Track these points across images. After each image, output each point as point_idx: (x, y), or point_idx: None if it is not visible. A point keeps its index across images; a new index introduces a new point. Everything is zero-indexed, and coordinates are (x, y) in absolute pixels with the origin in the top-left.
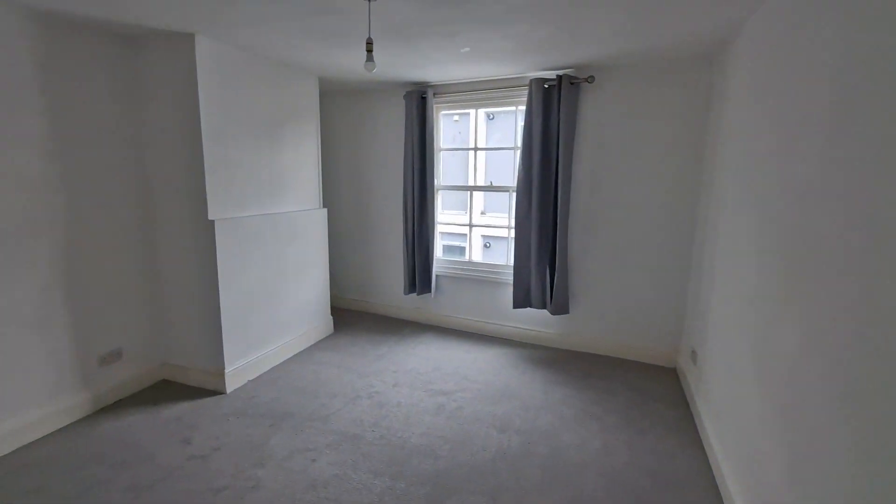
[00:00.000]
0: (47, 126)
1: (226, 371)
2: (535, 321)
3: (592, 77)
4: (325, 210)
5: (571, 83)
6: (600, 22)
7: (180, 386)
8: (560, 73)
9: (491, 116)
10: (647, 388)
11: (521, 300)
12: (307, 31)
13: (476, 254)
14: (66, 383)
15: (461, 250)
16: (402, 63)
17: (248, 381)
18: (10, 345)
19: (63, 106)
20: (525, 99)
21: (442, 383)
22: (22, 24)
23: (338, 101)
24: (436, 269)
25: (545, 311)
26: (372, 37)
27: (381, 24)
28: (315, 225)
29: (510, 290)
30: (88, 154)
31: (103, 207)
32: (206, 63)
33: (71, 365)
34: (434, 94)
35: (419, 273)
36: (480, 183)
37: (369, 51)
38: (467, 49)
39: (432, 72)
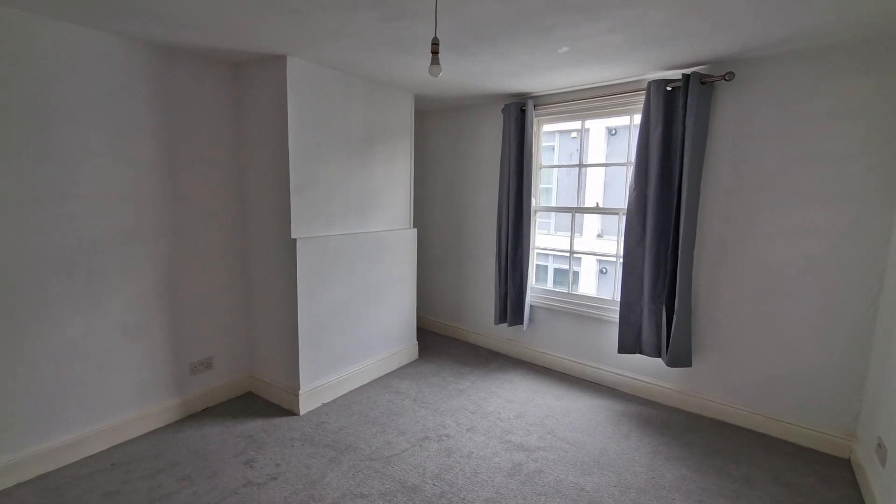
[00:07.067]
0: (158, 145)
1: (300, 392)
2: (646, 370)
3: (731, 73)
4: (415, 230)
5: (702, 82)
6: None
7: (262, 401)
8: (687, 71)
9: (613, 132)
10: (803, 485)
11: (628, 344)
12: (387, 41)
13: (589, 280)
14: (160, 388)
15: (574, 275)
16: (496, 72)
17: (323, 403)
18: (112, 348)
19: (173, 126)
20: (642, 106)
21: (524, 435)
22: (139, 55)
23: (438, 119)
24: (530, 298)
25: (660, 359)
26: (452, 41)
27: (458, 25)
28: (404, 245)
29: (616, 330)
30: (194, 170)
31: (204, 221)
32: (296, 83)
33: (165, 371)
34: (535, 105)
35: (511, 302)
36: (592, 204)
37: (434, 52)
38: (566, 49)
39: (531, 80)
